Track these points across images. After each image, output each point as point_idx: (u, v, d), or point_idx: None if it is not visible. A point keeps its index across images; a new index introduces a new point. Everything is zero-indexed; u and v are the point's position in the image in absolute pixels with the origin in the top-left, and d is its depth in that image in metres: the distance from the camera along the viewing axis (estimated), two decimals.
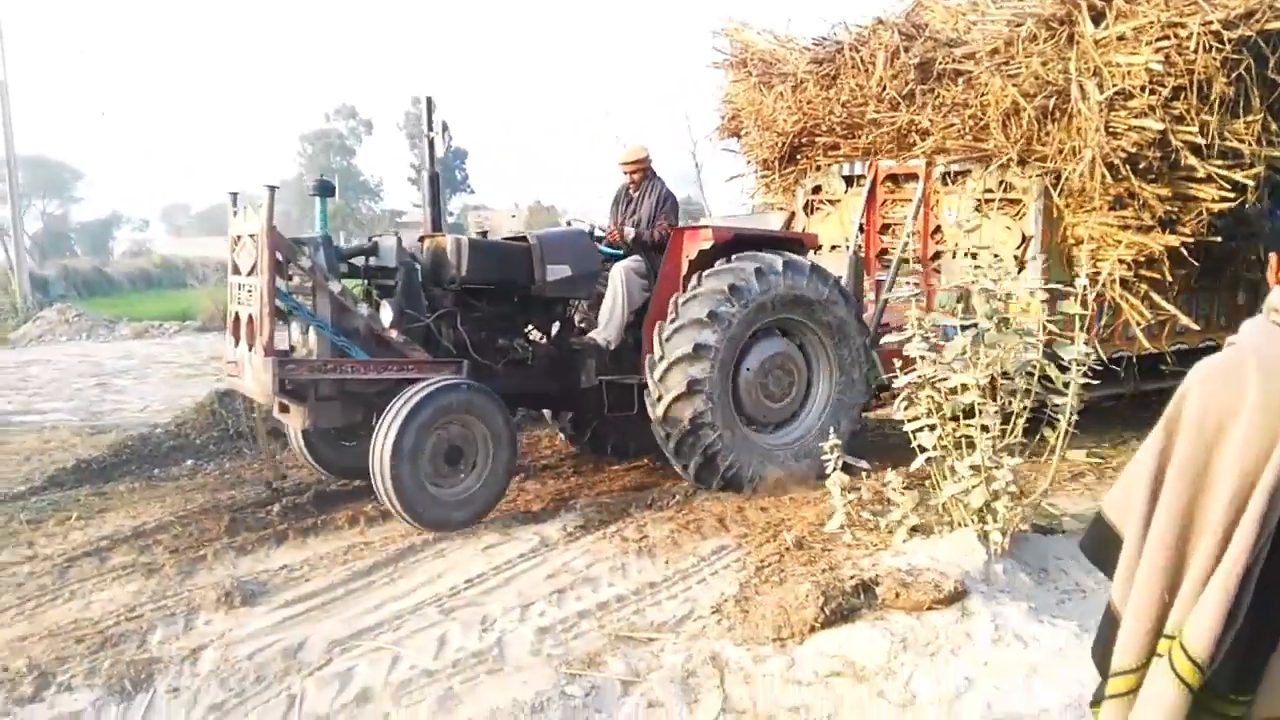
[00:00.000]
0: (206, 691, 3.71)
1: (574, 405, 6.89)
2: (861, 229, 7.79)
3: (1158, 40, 6.01)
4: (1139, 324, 6.73)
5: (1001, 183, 6.91)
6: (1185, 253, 6.40)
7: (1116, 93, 6.08)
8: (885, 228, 7.88)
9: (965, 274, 6.30)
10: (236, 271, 5.66)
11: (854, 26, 7.99)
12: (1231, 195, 6.23)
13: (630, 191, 6.89)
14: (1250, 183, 6.23)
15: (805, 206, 8.50)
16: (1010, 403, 4.47)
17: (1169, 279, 6.56)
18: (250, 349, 5.41)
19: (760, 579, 4.47)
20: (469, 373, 5.71)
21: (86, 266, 42.79)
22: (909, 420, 4.72)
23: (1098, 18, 6.26)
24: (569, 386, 6.42)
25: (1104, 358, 6.19)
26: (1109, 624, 1.72)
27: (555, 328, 6.62)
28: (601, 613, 4.30)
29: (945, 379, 4.46)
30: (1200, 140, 6.12)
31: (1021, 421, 4.50)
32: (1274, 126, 6.37)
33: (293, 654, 3.97)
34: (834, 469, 4.82)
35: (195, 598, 4.52)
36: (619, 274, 6.34)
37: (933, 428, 4.63)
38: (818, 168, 8.37)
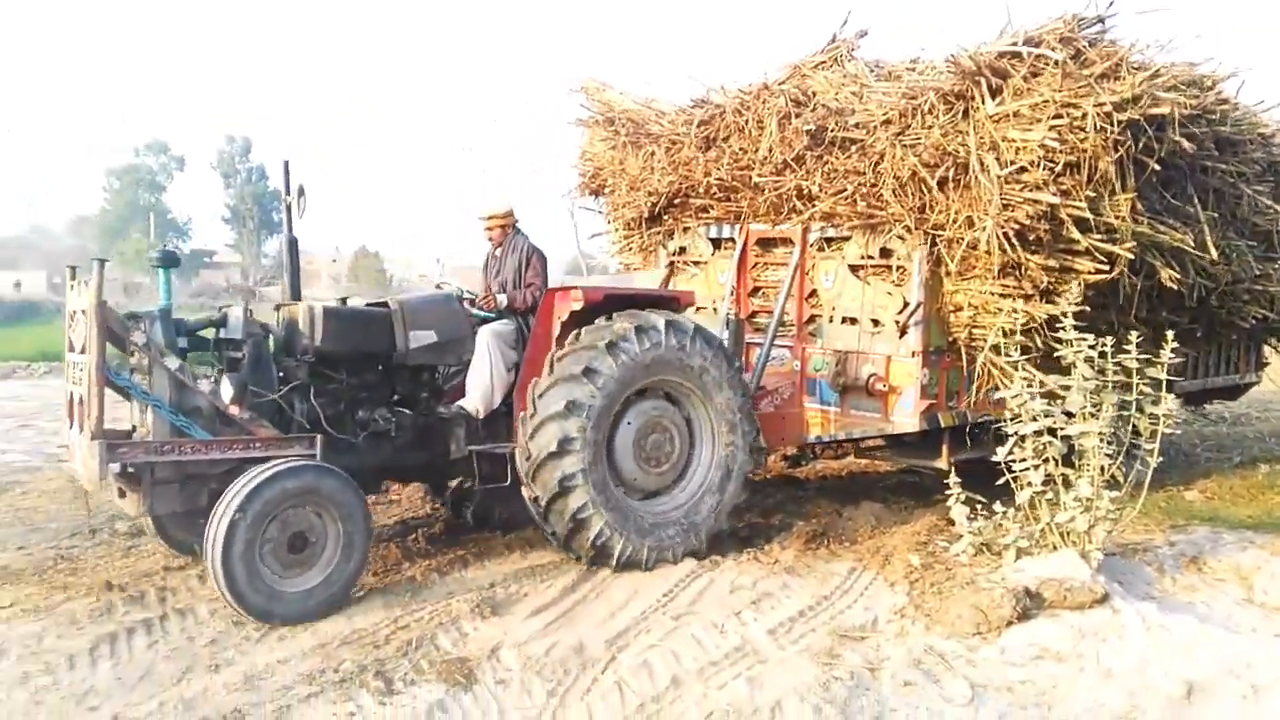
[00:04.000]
0: (530, 682, 4.31)
1: (444, 476, 6.61)
2: (733, 291, 7.88)
3: (1052, 119, 6.16)
4: (1008, 389, 6.57)
5: (882, 249, 7.08)
6: (1062, 322, 6.26)
7: (1013, 167, 6.24)
8: (755, 290, 7.96)
9: (842, 338, 7.26)
10: (72, 349, 5.34)
11: (734, 91, 8.01)
12: (1106, 268, 6.44)
13: (495, 251, 6.73)
14: (1126, 255, 6.43)
15: (669, 267, 8.64)
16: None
17: (1037, 346, 6.60)
18: (80, 431, 5.11)
19: (919, 591, 5.44)
20: (323, 449, 5.38)
21: None
22: (1016, 462, 5.83)
23: (995, 93, 6.38)
24: (437, 458, 6.14)
25: (971, 419, 7.10)
26: None
27: (422, 396, 6.25)
28: (803, 618, 5.14)
29: (1063, 428, 5.60)
30: (1085, 214, 6.26)
31: (1115, 463, 5.69)
32: (1140, 206, 6.59)
33: (580, 651, 4.62)
34: (956, 501, 5.88)
35: (450, 609, 5.05)
36: (485, 339, 6.13)
37: (1036, 467, 5.75)
38: (685, 229, 8.45)
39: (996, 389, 6.88)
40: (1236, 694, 4.28)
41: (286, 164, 6.29)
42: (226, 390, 5.30)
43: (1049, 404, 5.71)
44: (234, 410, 5.30)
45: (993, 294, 6.69)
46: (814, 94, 7.44)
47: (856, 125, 6.95)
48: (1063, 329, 5.97)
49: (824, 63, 7.88)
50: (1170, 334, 5.96)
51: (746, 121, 7.52)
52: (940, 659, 4.62)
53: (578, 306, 6.03)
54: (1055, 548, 5.70)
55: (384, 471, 6.17)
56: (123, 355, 5.33)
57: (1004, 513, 5.84)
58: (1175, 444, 5.93)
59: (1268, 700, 4.20)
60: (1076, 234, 6.33)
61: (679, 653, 4.62)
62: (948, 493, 5.91)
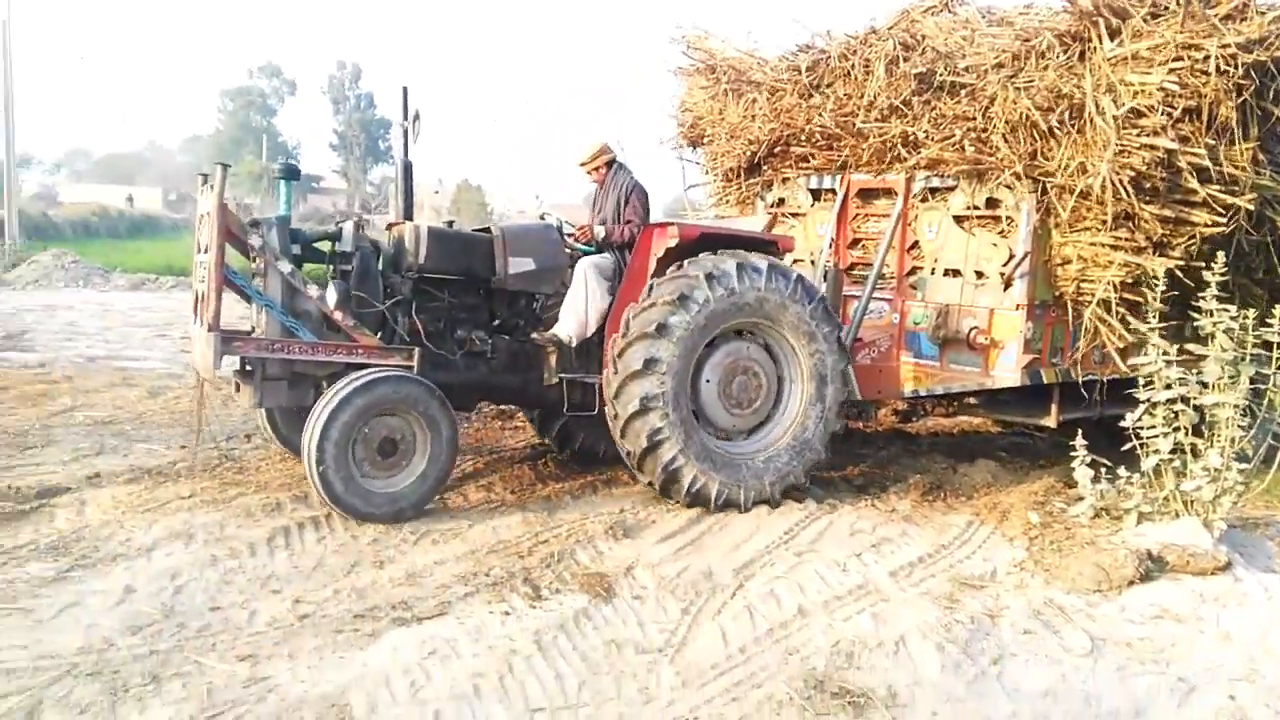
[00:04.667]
0: (665, 599, 4.60)
1: (535, 401, 6.74)
2: (831, 243, 7.83)
3: (1172, 61, 6.03)
4: (1114, 345, 6.75)
5: (989, 199, 6.96)
6: (1179, 275, 6.35)
7: (1130, 110, 6.10)
8: (854, 242, 7.91)
9: (944, 291, 7.11)
10: (199, 249, 5.73)
11: (840, 36, 7.90)
12: (1223, 220, 6.30)
13: (598, 189, 6.83)
14: (1246, 206, 6.30)
15: (774, 220, 8.51)
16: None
17: (1149, 302, 6.36)
18: (199, 324, 5.57)
19: (1038, 548, 5.55)
20: (421, 362, 5.70)
21: (34, 211, 41.41)
22: (1146, 429, 5.84)
23: (1113, 34, 6.25)
24: (530, 382, 6.36)
25: (1078, 379, 6.93)
26: None
27: (519, 322, 6.53)
28: (922, 564, 5.31)
29: (1198, 396, 5.60)
30: (1205, 162, 6.13)
31: (1247, 436, 5.67)
32: (1262, 157, 6.45)
33: (709, 576, 4.89)
34: (1080, 463, 5.93)
35: (586, 529, 5.38)
36: (583, 269, 6.29)
37: (1166, 435, 5.76)
38: (784, 180, 8.36)
39: (1103, 346, 6.81)
40: None
41: (405, 89, 6.45)
42: (331, 296, 5.63)
43: (1184, 372, 5.69)
44: (337, 315, 5.62)
45: (1104, 245, 6.51)
46: (923, 38, 7.31)
47: (967, 69, 6.85)
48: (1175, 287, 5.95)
49: (934, 8, 7.67)
50: None
51: (852, 66, 7.42)
52: (1060, 611, 4.74)
53: (673, 243, 6.13)
54: (1177, 515, 5.72)
55: (478, 390, 6.40)
56: (247, 261, 5.73)
57: (1128, 477, 5.88)
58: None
59: None
60: (1194, 183, 6.18)
61: (804, 585, 4.85)
62: (1063, 455, 5.96)
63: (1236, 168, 6.23)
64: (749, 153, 8.25)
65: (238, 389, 5.73)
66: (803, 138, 7.86)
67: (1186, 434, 5.72)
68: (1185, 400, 5.65)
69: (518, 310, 6.51)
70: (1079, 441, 5.97)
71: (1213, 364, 5.62)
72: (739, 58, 8.48)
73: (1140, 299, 6.47)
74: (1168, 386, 5.71)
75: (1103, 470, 5.99)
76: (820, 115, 7.56)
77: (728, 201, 8.99)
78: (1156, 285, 6.05)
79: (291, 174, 5.93)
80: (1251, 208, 6.31)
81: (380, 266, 6.01)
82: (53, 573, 4.41)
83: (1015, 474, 7.34)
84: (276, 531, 5.08)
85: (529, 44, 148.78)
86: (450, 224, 7.06)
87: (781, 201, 8.48)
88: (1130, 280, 6.50)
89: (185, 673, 3.59)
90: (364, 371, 5.40)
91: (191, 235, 6.00)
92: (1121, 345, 6.74)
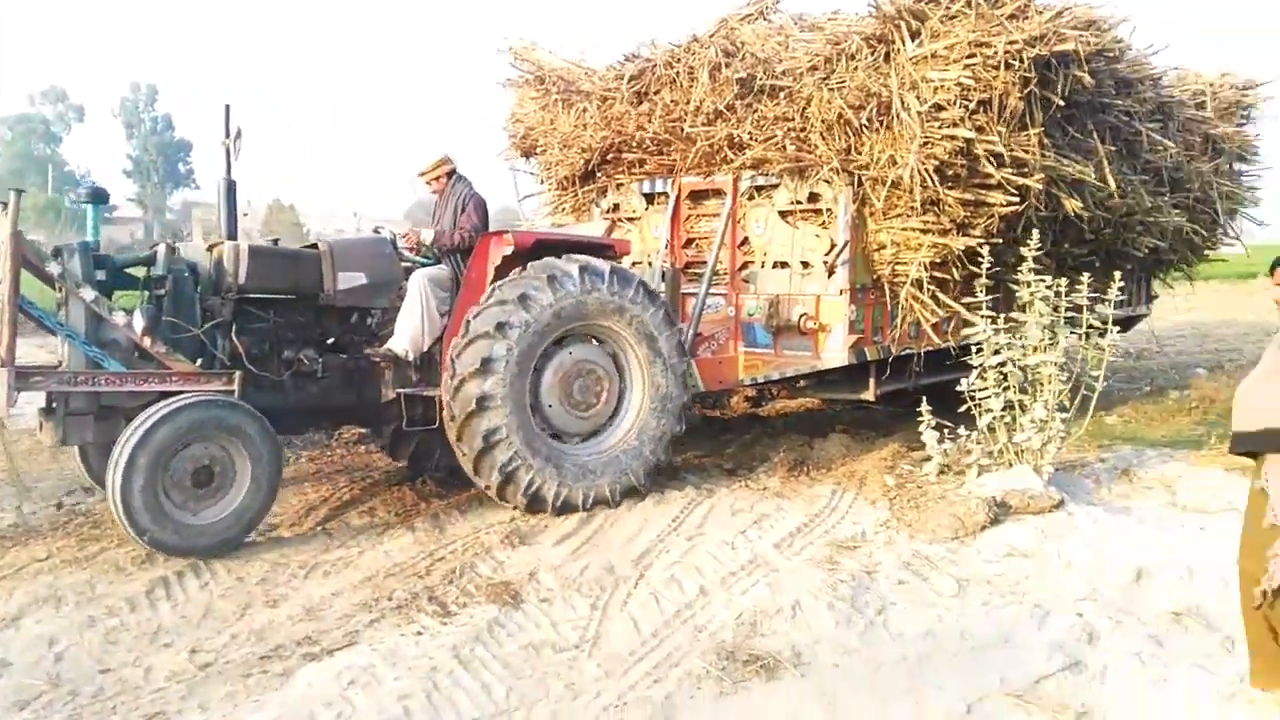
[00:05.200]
0: (572, 598, 4.73)
1: (374, 419, 6.60)
2: (667, 244, 8.12)
3: (966, 58, 6.52)
4: (928, 321, 7.39)
5: (810, 194, 7.38)
6: (979, 253, 6.78)
7: (931, 105, 6.59)
8: (689, 242, 8.27)
9: (774, 282, 7.56)
10: None
11: (664, 45, 8.21)
12: (1016, 200, 6.85)
13: (438, 201, 6.79)
14: (1036, 187, 6.89)
15: (612, 225, 8.57)
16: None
17: (955, 279, 7.17)
18: None
19: (898, 507, 6.02)
20: (243, 386, 5.50)
21: None
22: (979, 390, 6.42)
23: (915, 36, 6.75)
24: (367, 400, 6.23)
25: (893, 353, 7.51)
26: None
27: (354, 338, 6.36)
28: (801, 533, 5.67)
29: (1024, 358, 6.21)
30: (999, 149, 6.62)
31: (1066, 388, 6.34)
32: (1046, 142, 7.03)
33: (611, 571, 5.07)
34: (927, 427, 6.46)
35: (481, 541, 5.44)
36: (417, 282, 6.23)
37: (997, 395, 6.36)
38: (618, 185, 8.62)
39: (918, 323, 7.47)
40: (1175, 576, 4.93)
41: (227, 107, 6.27)
42: (139, 322, 5.36)
43: (1010, 338, 6.30)
44: (147, 342, 5.36)
45: (914, 230, 7.06)
46: (742, 44, 7.71)
47: (784, 73, 7.26)
48: (978, 263, 6.52)
49: (750, 16, 8.11)
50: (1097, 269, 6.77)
51: (677, 74, 7.75)
52: (926, 561, 5.20)
53: (509, 250, 6.13)
54: (1011, 465, 6.33)
55: (311, 412, 6.23)
56: (53, 290, 5.44)
57: (968, 435, 6.45)
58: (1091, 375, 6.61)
59: (1201, 579, 4.84)
60: (991, 168, 6.74)
61: (700, 567, 5.10)
62: (900, 423, 6.48)
63: (1026, 152, 6.81)
64: (582, 161, 8.48)
65: (40, 426, 5.41)
66: (634, 144, 8.14)
67: (1015, 392, 6.35)
68: (1013, 362, 6.26)
69: (351, 326, 6.35)
70: (925, 408, 6.51)
71: (1033, 328, 6.25)
72: (567, 68, 8.72)
73: (948, 277, 7.10)
74: (996, 352, 6.31)
75: (946, 431, 6.55)
76: (649, 122, 7.87)
77: (564, 210, 9.15)
78: (983, 264, 6.65)
79: (99, 198, 5.73)
80: (1039, 187, 6.92)
81: (199, 289, 5.78)
82: None
83: (864, 444, 7.88)
84: (154, 583, 4.85)
85: (341, 56, 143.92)
86: (275, 241, 6.87)
87: (616, 207, 8.69)
88: (939, 260, 7.07)
89: None
90: (171, 399, 5.14)
91: None
92: (934, 320, 7.41)
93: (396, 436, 6.77)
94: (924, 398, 6.60)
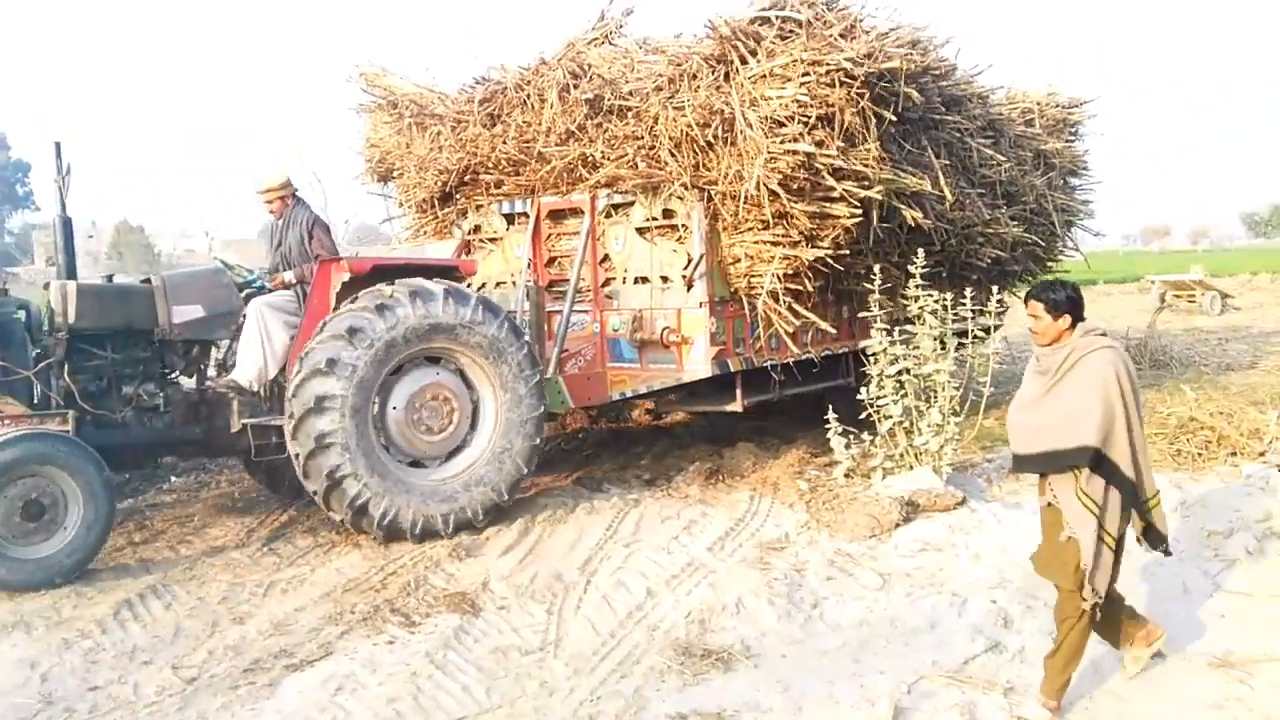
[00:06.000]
0: (527, 605, 5.00)
1: (224, 450, 6.62)
2: (530, 264, 8.17)
3: (801, 76, 6.68)
4: (785, 330, 7.53)
5: (664, 210, 7.50)
6: (828, 264, 7.18)
7: (770, 121, 6.72)
8: (551, 260, 8.30)
9: (636, 298, 7.70)
10: None
11: (514, 68, 8.31)
12: (859, 212, 7.04)
13: (276, 221, 6.76)
14: (876, 198, 7.07)
15: (465, 246, 8.80)
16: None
17: (809, 290, 7.34)
18: None
19: (815, 509, 6.51)
20: (78, 424, 5.51)
21: None
22: (876, 398, 7.00)
23: (752, 55, 6.90)
24: (215, 431, 6.22)
25: (756, 364, 7.66)
26: (1125, 479, 3.76)
27: (196, 370, 6.39)
28: (729, 537, 6.07)
29: (919, 366, 6.82)
30: (839, 163, 6.77)
31: (958, 394, 6.98)
32: (883, 154, 7.14)
33: (559, 578, 5.35)
34: (834, 434, 6.99)
35: (429, 555, 5.63)
36: (257, 310, 6.23)
37: (896, 401, 6.95)
38: (478, 207, 8.64)
39: (776, 334, 7.65)
40: None
41: (58, 145, 6.14)
42: None
43: (907, 349, 6.90)
44: None
45: (765, 243, 7.21)
46: (589, 66, 7.86)
47: (631, 93, 7.42)
48: (820, 274, 6.93)
49: (596, 39, 8.22)
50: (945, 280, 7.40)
51: (528, 96, 7.90)
52: (849, 558, 5.69)
53: (346, 278, 6.14)
54: (912, 466, 6.91)
55: (158, 447, 6.22)
56: None
57: (870, 440, 7.02)
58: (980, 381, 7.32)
59: None
60: (832, 181, 6.90)
61: (643, 571, 5.43)
62: (797, 431, 6.93)
63: (865, 166, 6.98)
64: (439, 183, 8.51)
65: None
66: (490, 165, 8.22)
67: (911, 399, 6.96)
68: (908, 371, 6.86)
69: (193, 359, 6.34)
70: (831, 415, 7.05)
71: (925, 339, 6.87)
72: (419, 92, 8.78)
73: (801, 288, 7.29)
74: (892, 361, 6.90)
75: (851, 437, 7.11)
76: (504, 143, 8.00)
77: (425, 232, 9.14)
78: (874, 278, 7.21)
79: None
80: (880, 198, 7.10)
81: (30, 329, 5.75)
82: None
83: (771, 451, 8.37)
84: (119, 605, 4.88)
85: (189, 73, 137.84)
86: (110, 277, 6.80)
87: (478, 228, 8.76)
88: (791, 272, 7.23)
89: None
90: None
91: None
92: (790, 330, 7.56)
93: (268, 467, 6.74)
94: (829, 406, 7.16)
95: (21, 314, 5.70)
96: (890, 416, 6.96)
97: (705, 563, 5.60)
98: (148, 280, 6.31)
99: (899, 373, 6.90)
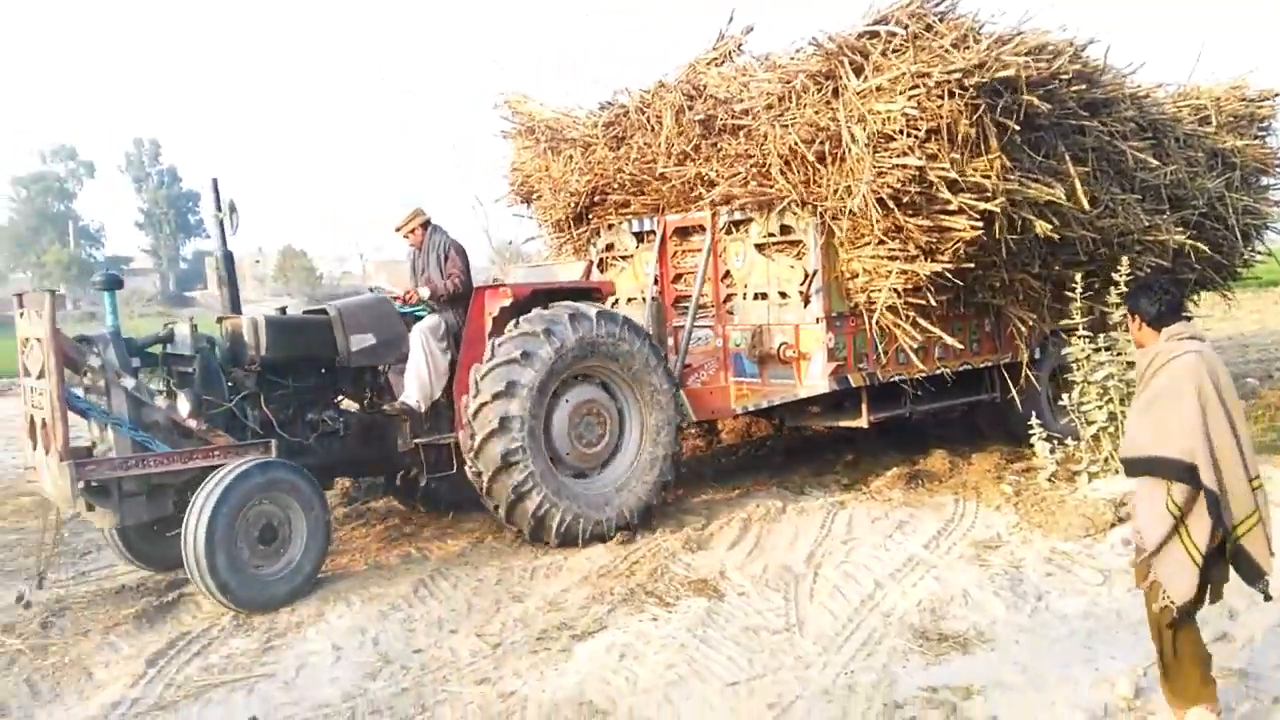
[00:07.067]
0: (765, 592, 5.48)
1: (394, 470, 6.96)
2: (656, 280, 8.41)
3: (910, 89, 6.61)
4: (910, 345, 7.43)
5: (781, 226, 7.59)
6: (947, 278, 7.05)
7: (880, 135, 6.67)
8: (678, 277, 8.52)
9: (755, 313, 7.80)
10: (27, 373, 5.66)
11: (636, 91, 8.60)
12: (980, 225, 6.84)
13: (416, 252, 7.09)
14: (995, 210, 6.84)
15: (599, 264, 9.08)
16: None
17: (932, 304, 7.21)
18: (47, 453, 5.44)
19: (1023, 511, 6.76)
20: (278, 452, 5.77)
21: None
22: (1080, 405, 7.18)
23: (858, 71, 6.88)
24: (386, 452, 6.58)
25: (881, 379, 7.63)
26: (1209, 491, 3.44)
27: (367, 395, 6.75)
28: (942, 536, 6.40)
29: (1124, 373, 6.97)
30: (952, 175, 6.63)
31: None
32: (1008, 163, 6.94)
33: (789, 569, 5.82)
34: (1038, 439, 7.22)
35: (665, 547, 6.23)
36: (419, 336, 6.52)
37: (1100, 408, 7.12)
38: (609, 226, 9.01)
39: (901, 350, 7.55)
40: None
41: (215, 181, 6.45)
42: (184, 405, 5.71)
43: (1112, 356, 7.07)
44: (192, 423, 5.72)
45: (881, 257, 7.18)
46: (704, 87, 8.09)
47: (743, 111, 7.54)
48: (946, 288, 6.86)
49: (716, 59, 8.48)
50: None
51: (648, 118, 8.24)
52: (1065, 556, 5.93)
53: (507, 303, 6.58)
54: (1117, 472, 7.07)
55: (336, 468, 6.64)
56: (75, 376, 5.66)
57: (1076, 445, 7.20)
58: None
59: None
60: (947, 194, 6.75)
61: (867, 565, 5.84)
62: (993, 441, 7.08)
63: (985, 176, 6.79)
64: (572, 204, 9.00)
65: (90, 508, 5.49)
66: (616, 185, 8.63)
67: (1116, 405, 7.12)
68: (1114, 377, 7.03)
69: (363, 384, 6.72)
70: (1035, 422, 7.28)
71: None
72: (554, 117, 9.29)
73: (924, 302, 7.20)
74: (1098, 367, 7.08)
75: (1055, 442, 7.31)
76: (627, 164, 8.39)
77: (565, 252, 9.62)
78: (1075, 287, 7.37)
79: (113, 284, 5.90)
80: (998, 210, 6.85)
81: (223, 362, 6.06)
82: (256, 645, 4.87)
83: (964, 457, 8.61)
84: (416, 584, 5.67)
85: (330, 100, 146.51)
86: (283, 310, 7.09)
87: (610, 246, 9.18)
88: (911, 286, 7.16)
89: (443, 699, 4.21)
90: (232, 465, 5.45)
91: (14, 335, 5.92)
92: (914, 345, 7.45)
93: (405, 483, 7.22)
94: (1034, 413, 7.37)
95: (214, 349, 6.03)
96: (1095, 422, 7.14)
97: (924, 559, 5.95)
98: (320, 310, 6.66)
99: (1105, 378, 7.08)
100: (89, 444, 5.80)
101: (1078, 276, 7.38)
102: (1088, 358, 7.16)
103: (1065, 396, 7.33)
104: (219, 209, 6.36)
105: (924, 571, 5.72)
